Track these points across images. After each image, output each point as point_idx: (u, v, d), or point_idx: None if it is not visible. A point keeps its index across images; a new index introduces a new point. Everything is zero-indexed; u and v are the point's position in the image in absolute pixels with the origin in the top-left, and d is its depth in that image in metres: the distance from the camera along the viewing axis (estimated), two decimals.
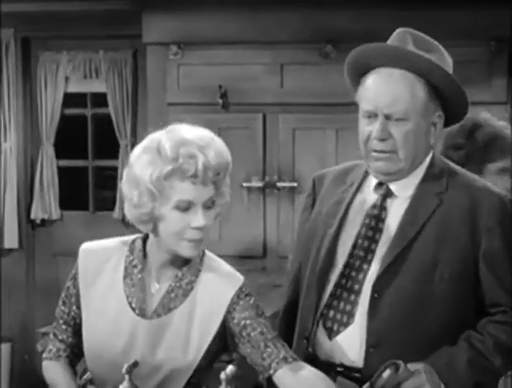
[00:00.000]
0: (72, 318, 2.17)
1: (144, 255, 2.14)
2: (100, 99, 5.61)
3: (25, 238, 5.68)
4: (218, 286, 2.10)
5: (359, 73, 2.18)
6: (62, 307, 2.19)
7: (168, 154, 1.99)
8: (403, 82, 2.11)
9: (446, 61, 2.18)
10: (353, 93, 2.23)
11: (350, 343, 2.13)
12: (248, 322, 2.07)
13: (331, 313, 2.16)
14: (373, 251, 2.16)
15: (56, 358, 2.19)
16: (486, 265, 2.11)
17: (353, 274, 2.16)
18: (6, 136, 5.58)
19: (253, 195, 5.01)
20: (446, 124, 2.23)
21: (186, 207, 2.01)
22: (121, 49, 5.51)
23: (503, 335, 2.11)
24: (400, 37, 2.17)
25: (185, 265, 2.11)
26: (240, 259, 4.65)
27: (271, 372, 2.02)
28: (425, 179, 2.19)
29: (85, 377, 2.21)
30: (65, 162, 5.72)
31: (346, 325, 2.13)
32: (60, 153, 5.67)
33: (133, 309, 2.10)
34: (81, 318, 2.15)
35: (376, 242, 2.16)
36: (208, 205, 2.03)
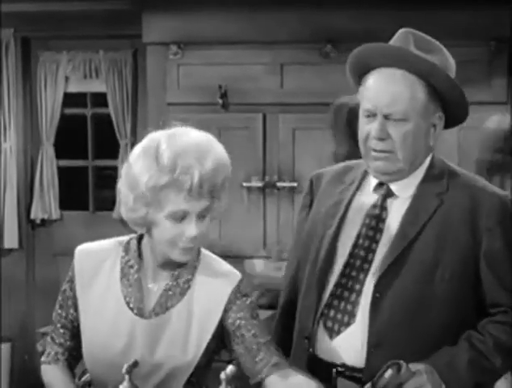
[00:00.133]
0: (69, 321, 2.17)
1: (140, 255, 2.14)
2: (100, 99, 5.61)
3: (25, 238, 5.68)
4: (215, 284, 2.10)
5: (361, 72, 2.18)
6: (59, 311, 2.18)
7: (165, 164, 1.97)
8: (403, 82, 2.11)
9: (448, 62, 2.18)
10: (355, 92, 2.23)
11: (351, 343, 2.13)
12: (243, 322, 2.07)
13: (332, 312, 2.16)
14: (374, 251, 2.16)
15: (55, 362, 2.18)
16: (487, 265, 2.12)
17: (353, 274, 2.16)
18: (6, 136, 5.58)
19: (253, 195, 5.01)
20: (448, 125, 2.23)
21: (180, 217, 2.00)
22: (121, 49, 5.51)
23: (504, 336, 2.11)
24: (402, 37, 2.18)
25: (181, 264, 2.11)
26: (240, 259, 4.66)
27: (262, 376, 2.02)
28: (426, 180, 2.19)
29: (83, 378, 2.21)
30: (64, 162, 5.72)
31: (348, 324, 2.13)
32: (60, 153, 5.67)
33: (131, 309, 2.10)
34: (78, 321, 2.14)
35: (377, 242, 2.16)
36: (203, 214, 2.03)
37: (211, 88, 4.98)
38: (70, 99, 5.65)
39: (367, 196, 2.22)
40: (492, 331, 2.11)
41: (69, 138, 5.72)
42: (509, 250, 2.13)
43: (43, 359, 2.21)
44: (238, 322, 2.07)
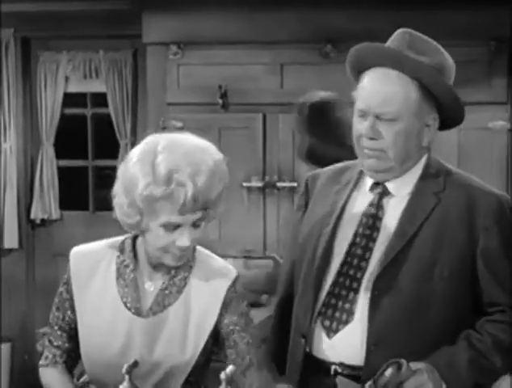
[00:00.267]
0: (67, 323, 2.17)
1: (135, 255, 2.14)
2: (100, 99, 5.61)
3: (25, 238, 5.68)
4: (212, 281, 2.11)
5: (358, 71, 2.20)
6: (56, 313, 2.18)
7: (160, 176, 1.95)
8: (397, 82, 2.12)
9: (446, 64, 2.18)
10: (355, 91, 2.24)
11: (349, 342, 2.13)
12: (237, 328, 2.09)
13: (329, 311, 2.16)
14: (371, 249, 2.16)
15: (53, 365, 2.18)
16: (484, 264, 2.12)
17: (351, 272, 2.16)
18: (6, 136, 5.57)
19: (253, 195, 5.01)
20: (445, 127, 2.24)
21: (173, 227, 2.00)
22: (121, 49, 5.51)
23: (502, 334, 2.12)
24: (399, 38, 2.19)
25: None
26: (240, 259, 4.65)
27: None
28: (423, 179, 2.20)
29: (82, 379, 2.21)
30: (64, 162, 5.72)
31: (346, 323, 2.14)
32: (60, 153, 5.67)
33: (128, 308, 2.10)
34: (76, 323, 2.14)
35: (374, 240, 2.17)
36: (198, 224, 2.02)
37: (211, 88, 4.98)
38: (70, 99, 5.65)
39: (364, 196, 2.23)
40: (490, 330, 2.12)
41: (69, 138, 5.72)
42: (506, 249, 2.14)
43: (41, 362, 2.20)
44: (232, 327, 2.09)
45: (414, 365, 2.02)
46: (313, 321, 2.19)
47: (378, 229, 2.17)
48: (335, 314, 2.15)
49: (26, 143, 5.68)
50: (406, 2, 4.74)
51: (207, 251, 2.18)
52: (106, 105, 5.55)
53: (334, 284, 2.17)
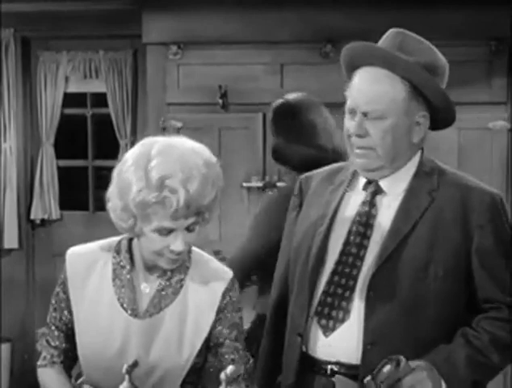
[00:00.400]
0: (64, 324, 2.17)
1: (131, 256, 2.14)
2: (100, 99, 5.61)
3: (25, 238, 5.68)
4: (208, 282, 2.11)
5: (351, 70, 2.22)
6: (53, 313, 2.18)
7: (153, 182, 1.95)
8: (385, 81, 2.13)
9: (438, 64, 2.19)
10: None
11: (346, 340, 2.13)
12: (227, 342, 2.10)
13: (326, 310, 2.16)
14: (365, 247, 2.17)
15: (51, 365, 2.18)
16: (479, 261, 2.13)
17: (346, 270, 2.16)
18: (6, 136, 5.58)
19: (253, 195, 5.01)
20: (439, 126, 2.25)
21: (166, 231, 2.00)
22: (121, 49, 5.51)
23: (499, 331, 2.12)
24: (390, 38, 2.21)
25: None
26: None
27: None
28: (416, 177, 2.21)
29: (80, 380, 2.20)
30: (64, 162, 5.72)
31: (342, 321, 2.14)
32: (60, 153, 5.67)
33: (125, 309, 2.10)
34: (72, 323, 2.14)
35: (368, 238, 2.17)
36: (192, 228, 2.02)
37: (211, 88, 4.98)
38: (70, 99, 5.65)
39: (357, 195, 2.24)
40: (487, 327, 2.12)
41: (69, 138, 5.72)
42: (501, 247, 2.15)
43: (39, 363, 2.20)
44: (222, 340, 2.10)
45: (413, 363, 2.02)
46: (309, 320, 2.19)
47: (372, 227, 2.18)
48: (331, 313, 2.15)
49: (26, 143, 5.68)
50: (406, 2, 4.74)
51: (202, 252, 2.18)
52: (106, 105, 5.56)
53: (330, 282, 2.18)
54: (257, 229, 2.96)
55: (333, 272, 2.18)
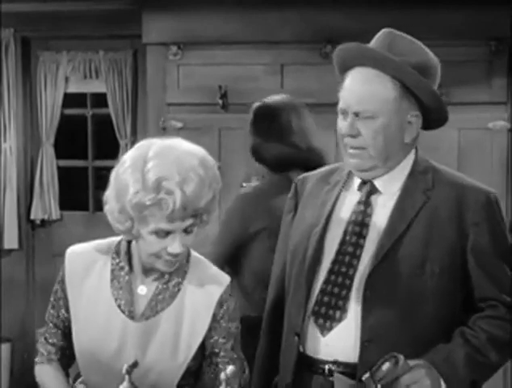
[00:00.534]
0: (61, 321, 2.17)
1: (130, 258, 2.14)
2: (100, 99, 5.61)
3: (25, 239, 5.68)
4: (205, 287, 2.11)
5: (343, 70, 2.23)
6: (51, 311, 2.19)
7: (150, 184, 1.95)
8: (376, 81, 2.14)
9: (430, 64, 2.20)
10: None
11: (344, 339, 2.13)
12: (222, 352, 2.10)
13: (323, 309, 2.17)
14: (361, 246, 2.17)
15: (48, 362, 2.19)
16: (474, 260, 2.14)
17: (343, 269, 2.17)
18: (6, 136, 5.57)
19: None
20: (432, 125, 2.25)
21: (164, 233, 2.00)
22: (121, 49, 5.51)
23: (496, 330, 2.13)
24: (381, 38, 2.22)
25: None
26: None
27: None
28: (411, 176, 2.22)
29: (80, 380, 2.20)
30: (64, 162, 5.72)
31: (339, 320, 2.14)
32: (60, 153, 5.67)
33: (122, 311, 2.10)
34: (70, 321, 2.14)
35: (364, 237, 2.18)
36: (190, 230, 2.02)
37: (211, 88, 4.98)
38: (70, 99, 5.65)
39: (352, 195, 2.25)
40: (483, 326, 2.13)
41: (69, 138, 5.72)
42: (496, 245, 2.16)
43: (36, 359, 2.21)
44: (217, 350, 2.10)
45: (411, 361, 2.03)
46: (306, 319, 2.19)
47: (367, 226, 2.19)
48: (328, 312, 2.15)
49: (26, 143, 5.68)
50: (406, 2, 4.74)
51: (200, 256, 2.18)
52: (106, 105, 5.55)
53: (326, 282, 2.18)
54: (228, 225, 3.04)
55: (330, 272, 2.18)
